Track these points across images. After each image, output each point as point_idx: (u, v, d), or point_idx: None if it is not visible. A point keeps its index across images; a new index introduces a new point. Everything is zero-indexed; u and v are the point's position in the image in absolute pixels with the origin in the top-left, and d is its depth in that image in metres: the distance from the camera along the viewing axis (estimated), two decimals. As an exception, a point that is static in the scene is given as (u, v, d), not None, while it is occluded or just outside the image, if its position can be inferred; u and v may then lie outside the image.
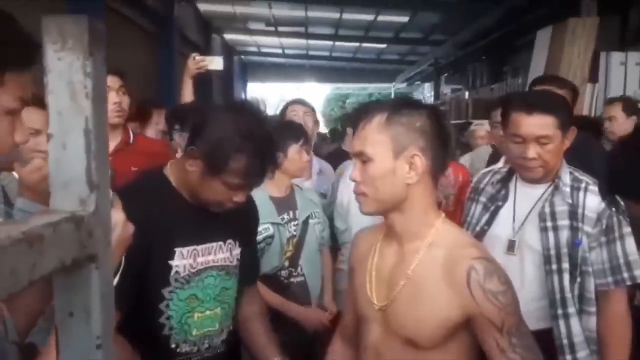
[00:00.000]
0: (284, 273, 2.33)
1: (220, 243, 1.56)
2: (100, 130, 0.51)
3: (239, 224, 1.61)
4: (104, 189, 0.52)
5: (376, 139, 1.24)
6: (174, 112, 2.93)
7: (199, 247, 1.49)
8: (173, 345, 1.50)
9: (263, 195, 2.24)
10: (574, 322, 1.71)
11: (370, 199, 1.26)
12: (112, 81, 2.38)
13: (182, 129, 2.60)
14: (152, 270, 1.42)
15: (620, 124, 3.62)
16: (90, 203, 0.50)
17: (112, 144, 2.34)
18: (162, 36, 8.60)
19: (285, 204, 2.35)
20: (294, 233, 2.33)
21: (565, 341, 1.71)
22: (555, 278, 1.73)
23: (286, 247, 2.31)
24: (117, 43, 6.33)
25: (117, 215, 0.86)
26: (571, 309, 1.72)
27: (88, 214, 0.50)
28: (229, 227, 1.57)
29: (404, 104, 1.27)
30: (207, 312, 1.52)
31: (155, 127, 3.53)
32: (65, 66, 0.49)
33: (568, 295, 1.72)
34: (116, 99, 2.37)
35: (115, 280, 0.90)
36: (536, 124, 1.68)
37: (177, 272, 1.46)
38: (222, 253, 1.55)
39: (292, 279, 2.33)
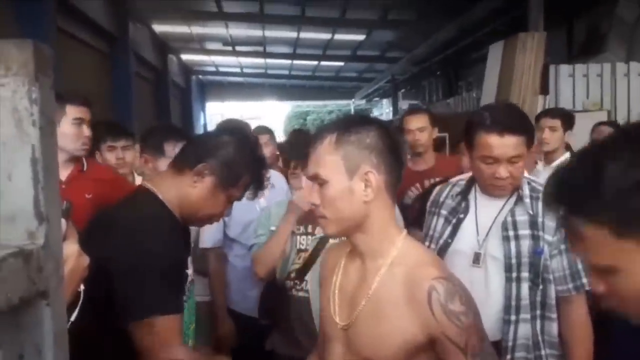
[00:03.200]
0: (288, 284, 2.29)
1: (190, 256, 1.59)
2: (48, 159, 0.48)
3: (189, 240, 1.69)
4: (54, 221, 0.49)
5: (328, 160, 1.23)
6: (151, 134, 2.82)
7: (188, 260, 1.53)
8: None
9: (285, 201, 2.31)
10: (523, 327, 1.76)
11: (331, 221, 1.25)
12: (85, 112, 2.30)
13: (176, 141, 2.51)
14: (182, 278, 1.48)
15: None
16: (39, 236, 0.48)
17: (66, 172, 2.26)
18: (117, 57, 8.47)
19: (308, 217, 2.29)
20: (306, 247, 2.29)
21: (509, 343, 1.75)
22: (514, 286, 1.76)
23: (295, 258, 2.29)
24: (70, 65, 6.19)
25: (70, 247, 0.82)
26: (523, 316, 1.76)
27: (37, 248, 0.47)
28: (189, 243, 1.66)
29: (352, 122, 1.27)
30: (192, 327, 1.56)
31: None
32: (10, 93, 0.46)
33: (524, 302, 1.75)
34: (88, 133, 2.29)
35: (74, 316, 0.86)
36: (509, 144, 1.71)
37: (188, 281, 1.51)
38: (191, 265, 1.58)
39: (294, 292, 2.28)
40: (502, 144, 1.72)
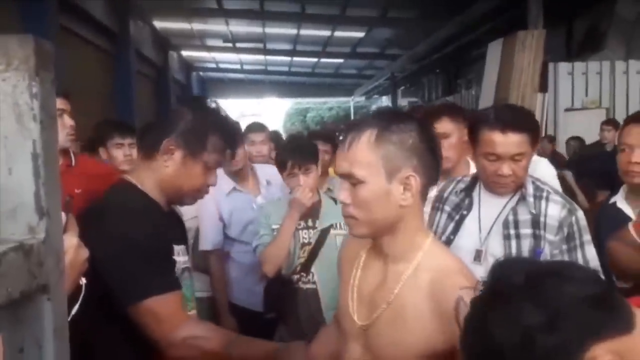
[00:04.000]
0: (294, 278, 2.33)
1: (185, 246, 1.58)
2: (49, 154, 0.49)
3: (184, 231, 1.67)
4: (55, 216, 0.50)
5: (366, 159, 1.13)
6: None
7: (178, 248, 1.51)
8: None
9: (285, 200, 2.33)
10: None
11: (362, 223, 1.16)
12: (64, 103, 2.31)
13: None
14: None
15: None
16: (40, 231, 0.48)
17: None
18: (118, 54, 8.47)
19: (308, 211, 2.32)
20: (310, 240, 2.34)
21: None
22: None
23: (300, 252, 2.32)
24: (72, 62, 6.19)
25: (70, 240, 0.83)
26: None
27: (38, 242, 0.47)
28: (184, 233, 1.65)
29: (392, 119, 1.18)
30: (192, 312, 1.54)
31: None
32: (10, 88, 0.47)
33: None
34: (71, 122, 2.29)
35: (75, 309, 0.87)
36: (511, 142, 1.71)
37: (177, 268, 1.48)
38: (187, 256, 1.57)
39: (301, 285, 2.32)
40: (505, 141, 1.72)
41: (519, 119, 1.76)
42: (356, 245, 1.33)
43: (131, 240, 1.30)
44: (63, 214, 0.78)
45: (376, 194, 1.14)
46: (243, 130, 3.13)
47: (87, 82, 7.09)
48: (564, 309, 0.69)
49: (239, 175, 2.74)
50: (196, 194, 1.53)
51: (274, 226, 2.31)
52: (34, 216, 0.48)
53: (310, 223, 2.33)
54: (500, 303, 0.73)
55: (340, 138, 1.21)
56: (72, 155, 2.40)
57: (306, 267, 2.31)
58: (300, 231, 2.31)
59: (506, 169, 1.74)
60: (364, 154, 1.14)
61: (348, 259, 1.35)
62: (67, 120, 2.27)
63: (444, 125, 2.29)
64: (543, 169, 2.47)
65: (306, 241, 2.32)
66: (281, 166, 2.38)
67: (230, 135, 1.53)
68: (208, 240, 2.67)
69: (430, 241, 1.22)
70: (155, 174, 1.45)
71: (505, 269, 0.77)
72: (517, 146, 1.72)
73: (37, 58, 0.47)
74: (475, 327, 0.77)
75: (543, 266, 0.79)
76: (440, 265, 1.18)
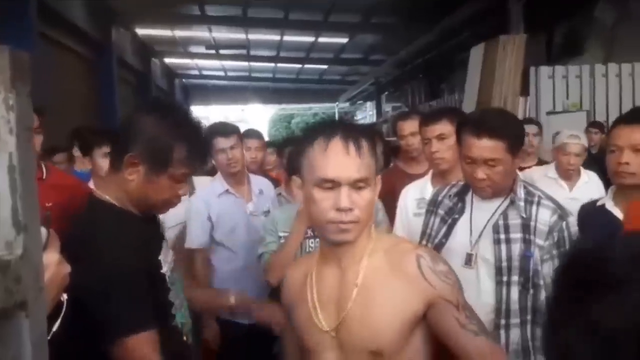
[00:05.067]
0: None
1: (165, 242, 1.55)
2: (26, 167, 0.47)
3: (161, 232, 1.62)
4: (33, 230, 0.49)
5: (370, 164, 1.24)
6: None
7: (161, 257, 1.49)
8: (185, 338, 1.54)
9: (294, 207, 2.32)
10: (514, 332, 1.76)
11: (361, 225, 1.24)
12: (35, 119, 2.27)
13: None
14: (157, 281, 1.42)
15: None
16: (17, 246, 0.47)
17: None
18: (101, 62, 8.40)
19: None
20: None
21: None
22: (504, 290, 1.76)
23: None
24: (53, 70, 6.11)
25: (51, 256, 0.81)
26: (514, 320, 1.76)
27: (15, 258, 0.46)
28: (161, 230, 1.60)
29: (360, 127, 1.32)
30: (184, 304, 1.56)
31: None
32: (-15, 100, 0.46)
33: (514, 307, 1.75)
34: (39, 139, 2.26)
35: (56, 326, 0.85)
36: (485, 147, 1.73)
37: (165, 270, 1.47)
38: (169, 253, 1.54)
39: None
40: (479, 145, 1.73)
41: (496, 125, 1.76)
42: (299, 273, 1.42)
43: (114, 274, 1.26)
44: (43, 229, 0.77)
45: (375, 194, 1.26)
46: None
47: (69, 90, 7.01)
48: None
49: (234, 178, 2.72)
50: (167, 205, 1.47)
51: (281, 234, 2.30)
52: (11, 231, 0.47)
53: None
54: (605, 292, 0.67)
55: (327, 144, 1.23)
56: (43, 167, 2.35)
57: None
58: (306, 240, 2.30)
59: (480, 173, 1.75)
60: (369, 159, 1.23)
61: (296, 288, 1.40)
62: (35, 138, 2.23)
63: (443, 127, 2.32)
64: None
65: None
66: (293, 173, 2.37)
67: (198, 146, 1.44)
68: (194, 239, 2.65)
69: (373, 228, 1.33)
70: (123, 187, 1.39)
71: (590, 258, 0.73)
72: (490, 151, 1.73)
73: (13, 70, 0.46)
74: (576, 324, 0.70)
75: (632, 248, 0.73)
76: (387, 243, 1.32)
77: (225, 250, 2.70)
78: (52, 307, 0.83)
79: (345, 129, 1.23)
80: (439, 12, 7.94)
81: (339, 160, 1.19)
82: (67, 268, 0.84)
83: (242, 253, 2.68)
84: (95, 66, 8.30)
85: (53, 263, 0.81)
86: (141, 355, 1.26)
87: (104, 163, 2.85)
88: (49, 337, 0.84)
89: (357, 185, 1.20)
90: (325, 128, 1.25)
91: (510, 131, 1.79)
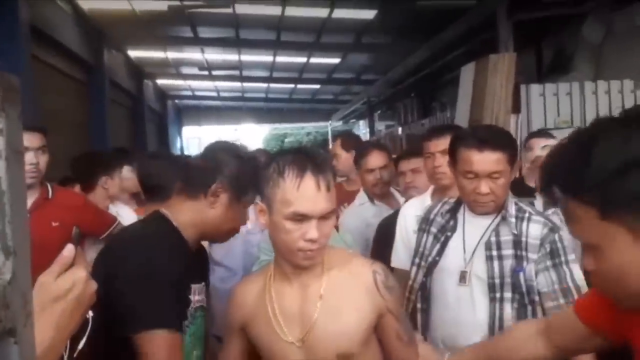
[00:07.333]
0: None
1: (202, 284, 1.60)
2: (16, 191, 0.47)
3: (205, 270, 1.73)
4: (22, 255, 0.48)
5: (333, 194, 1.32)
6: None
7: (196, 286, 1.55)
8: None
9: None
10: None
11: (324, 249, 1.34)
12: (31, 140, 2.26)
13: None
14: (183, 300, 1.49)
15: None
16: (6, 271, 0.46)
17: (30, 200, 2.21)
18: (92, 84, 8.41)
19: None
20: None
21: None
22: (497, 306, 1.76)
23: None
24: (45, 92, 6.11)
25: (79, 273, 0.82)
26: None
27: (4, 283, 0.45)
28: (205, 272, 1.71)
29: (323, 158, 1.37)
30: (195, 352, 1.55)
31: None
32: (-25, 124, 0.45)
33: (507, 323, 1.74)
34: (33, 160, 2.24)
35: (82, 344, 0.85)
36: (489, 160, 1.73)
37: (191, 307, 1.52)
38: (203, 294, 1.59)
39: None
40: (482, 159, 1.74)
41: (495, 137, 1.79)
42: (251, 290, 1.47)
43: (154, 267, 1.34)
44: (71, 246, 0.82)
45: (335, 220, 1.42)
46: None
47: (61, 112, 7.01)
48: None
49: None
50: (232, 232, 1.64)
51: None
52: (-1, 256, 0.46)
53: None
54: (622, 126, 0.77)
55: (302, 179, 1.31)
56: (49, 187, 2.35)
57: None
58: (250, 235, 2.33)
59: (484, 187, 1.75)
60: (332, 190, 1.32)
61: (251, 305, 1.45)
62: (29, 158, 2.22)
63: (446, 142, 2.32)
64: None
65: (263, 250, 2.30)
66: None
67: (259, 178, 1.62)
68: None
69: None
70: (197, 213, 1.54)
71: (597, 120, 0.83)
72: (494, 164, 1.74)
73: (3, 93, 0.46)
74: (583, 136, 0.81)
75: None
76: (343, 257, 1.44)
77: (223, 269, 2.69)
78: (79, 325, 0.82)
79: (314, 164, 1.29)
80: (429, 31, 8.04)
81: (311, 196, 1.27)
82: (94, 285, 0.84)
83: (240, 272, 2.66)
84: (86, 88, 8.31)
85: (80, 280, 0.81)
86: (168, 353, 1.29)
87: (127, 184, 3.06)
88: (75, 355, 0.84)
89: (325, 216, 1.30)
90: (294, 161, 1.30)
91: (509, 142, 1.81)
